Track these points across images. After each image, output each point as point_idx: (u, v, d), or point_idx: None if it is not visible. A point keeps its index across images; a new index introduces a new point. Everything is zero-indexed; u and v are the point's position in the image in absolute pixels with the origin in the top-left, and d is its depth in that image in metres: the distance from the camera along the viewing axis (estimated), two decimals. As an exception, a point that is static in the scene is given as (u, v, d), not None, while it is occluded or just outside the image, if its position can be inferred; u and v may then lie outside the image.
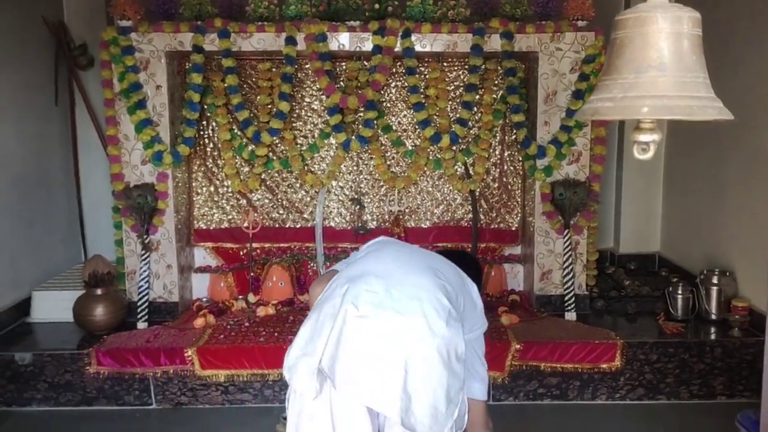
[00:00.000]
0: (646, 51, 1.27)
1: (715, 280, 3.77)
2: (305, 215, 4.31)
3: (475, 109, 4.09)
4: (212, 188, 4.25)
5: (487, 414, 2.23)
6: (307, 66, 4.03)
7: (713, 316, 3.73)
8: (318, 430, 1.88)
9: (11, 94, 3.97)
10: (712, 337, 3.57)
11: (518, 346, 3.40)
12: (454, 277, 2.08)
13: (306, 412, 1.90)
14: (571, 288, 3.89)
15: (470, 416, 2.13)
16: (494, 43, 3.80)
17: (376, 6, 3.82)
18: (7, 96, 3.93)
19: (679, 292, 3.79)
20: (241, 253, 4.29)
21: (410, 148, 4.17)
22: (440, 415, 1.79)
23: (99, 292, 3.67)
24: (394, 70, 4.06)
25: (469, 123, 4.08)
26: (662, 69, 1.25)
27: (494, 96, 4.09)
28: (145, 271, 3.84)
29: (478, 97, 4.06)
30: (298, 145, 4.16)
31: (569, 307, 3.88)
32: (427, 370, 1.78)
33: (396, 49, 3.78)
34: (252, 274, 4.16)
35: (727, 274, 3.82)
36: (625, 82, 1.29)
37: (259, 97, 4.06)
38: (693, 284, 3.85)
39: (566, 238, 3.89)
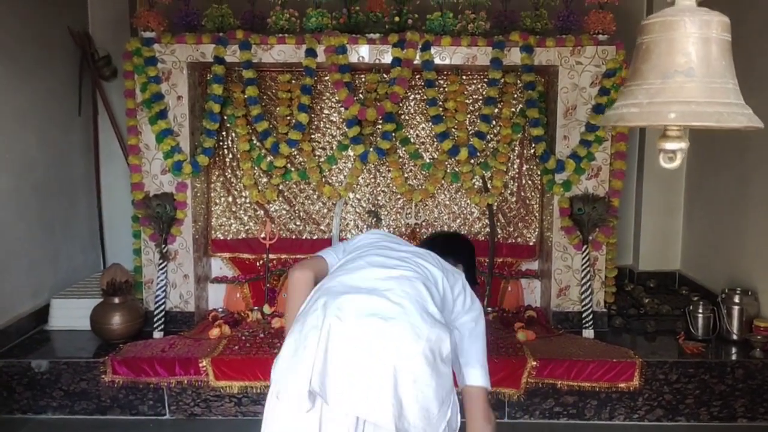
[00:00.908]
0: (673, 56, 1.24)
1: (736, 299, 3.70)
2: (322, 227, 4.31)
3: (494, 122, 4.08)
4: (230, 198, 4.27)
5: (488, 403, 2.05)
6: (326, 78, 4.05)
7: (734, 337, 3.66)
8: None
9: (35, 103, 4.04)
10: (734, 357, 3.49)
11: (534, 363, 3.35)
12: (439, 273, 2.08)
13: (293, 426, 1.86)
14: (589, 305, 3.84)
15: (468, 406, 2.03)
16: (514, 56, 3.79)
17: (396, 19, 3.84)
18: (31, 105, 3.99)
19: (700, 311, 3.72)
20: (258, 264, 4.30)
21: (428, 160, 4.16)
22: (433, 417, 1.80)
23: (116, 300, 3.69)
24: (413, 82, 4.06)
25: (488, 136, 4.07)
26: (690, 74, 1.21)
27: (513, 110, 4.08)
28: (162, 280, 3.85)
29: (497, 110, 4.05)
30: (316, 157, 4.17)
31: (587, 325, 3.82)
32: (415, 374, 1.78)
33: (415, 62, 3.79)
34: (268, 285, 4.15)
35: (749, 293, 3.75)
36: (651, 88, 1.25)
37: (278, 109, 4.08)
38: (714, 303, 3.77)
39: (584, 254, 3.85)
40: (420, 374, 1.78)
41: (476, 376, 2.04)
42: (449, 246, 2.42)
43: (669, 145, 1.25)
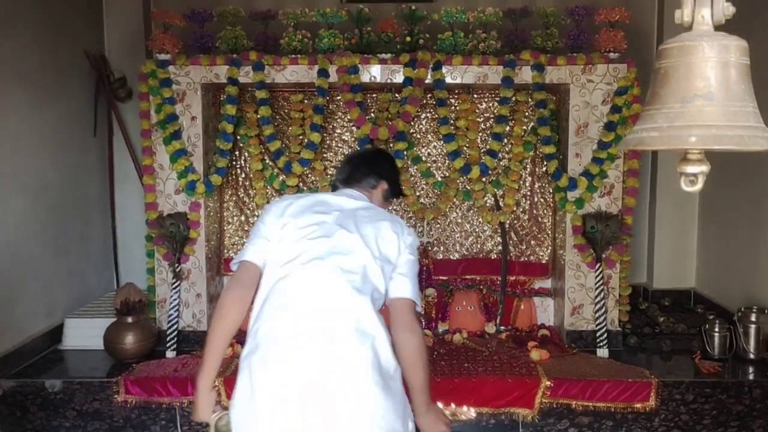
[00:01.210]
0: (692, 80, 1.25)
1: (753, 317, 3.64)
2: (334, 246, 4.30)
3: (506, 140, 4.08)
4: (243, 218, 4.29)
5: (414, 315, 2.02)
6: (338, 97, 4.08)
7: (751, 356, 3.60)
8: None
9: (51, 124, 4.09)
10: (751, 377, 3.44)
11: (549, 383, 3.33)
12: (369, 256, 2.02)
13: None
14: (603, 324, 3.80)
15: (393, 317, 2.00)
16: (525, 74, 3.80)
17: (408, 39, 3.87)
18: (47, 126, 4.05)
19: (716, 329, 3.67)
20: (270, 282, 4.29)
21: (440, 179, 4.17)
22: None
23: (130, 320, 3.69)
24: (424, 101, 4.08)
25: (500, 154, 4.07)
26: (709, 98, 1.22)
27: (525, 128, 4.09)
28: (175, 299, 3.86)
29: (508, 128, 4.05)
30: (329, 176, 4.19)
31: (601, 344, 3.79)
32: (372, 406, 1.80)
33: (427, 81, 3.81)
34: (280, 303, 4.15)
35: (766, 311, 3.69)
36: (671, 112, 1.26)
37: (290, 128, 4.11)
38: (730, 322, 3.73)
39: (598, 272, 3.82)
40: (376, 403, 1.80)
41: (403, 287, 2.02)
42: (370, 166, 2.40)
43: (690, 169, 1.25)
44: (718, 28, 1.29)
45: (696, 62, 1.24)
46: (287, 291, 1.97)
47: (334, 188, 2.45)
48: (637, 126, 1.33)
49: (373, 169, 2.39)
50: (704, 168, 1.26)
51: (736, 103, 1.24)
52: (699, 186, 1.28)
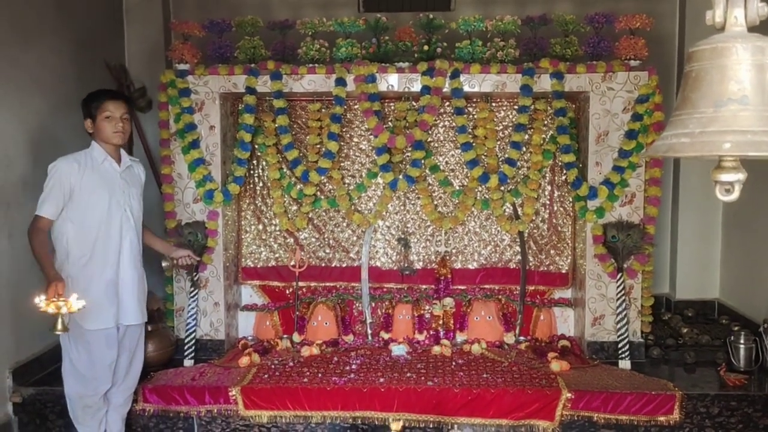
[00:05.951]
0: (725, 83, 1.20)
1: (780, 329, 3.58)
2: (351, 254, 4.30)
3: (524, 149, 4.05)
4: (260, 227, 4.29)
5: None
6: (356, 106, 4.08)
7: (778, 368, 3.53)
8: None
9: (72, 134, 4.12)
10: (778, 390, 3.37)
11: (570, 395, 3.27)
12: None
13: None
14: (625, 335, 3.74)
15: None
16: (544, 83, 3.77)
17: (425, 47, 3.86)
18: (68, 135, 4.08)
19: (741, 341, 3.60)
20: (288, 291, 4.30)
21: (458, 188, 4.14)
22: None
23: (149, 328, 3.69)
24: (442, 110, 4.06)
25: (518, 163, 4.03)
26: (744, 102, 1.17)
27: (544, 136, 4.05)
28: (193, 308, 3.87)
29: (527, 137, 4.02)
30: (346, 185, 4.18)
31: (623, 355, 3.73)
32: None
33: (444, 90, 3.80)
34: (297, 313, 4.15)
35: (794, 323, 3.62)
36: (703, 117, 1.21)
37: (308, 137, 4.12)
38: (756, 333, 3.65)
39: (619, 282, 3.77)
40: None
41: None
42: None
43: (725, 177, 1.20)
44: (752, 29, 1.24)
45: (729, 65, 1.19)
46: None
47: None
48: (666, 132, 1.28)
49: None
50: (740, 176, 1.20)
51: (773, 107, 1.18)
52: (735, 195, 1.23)
